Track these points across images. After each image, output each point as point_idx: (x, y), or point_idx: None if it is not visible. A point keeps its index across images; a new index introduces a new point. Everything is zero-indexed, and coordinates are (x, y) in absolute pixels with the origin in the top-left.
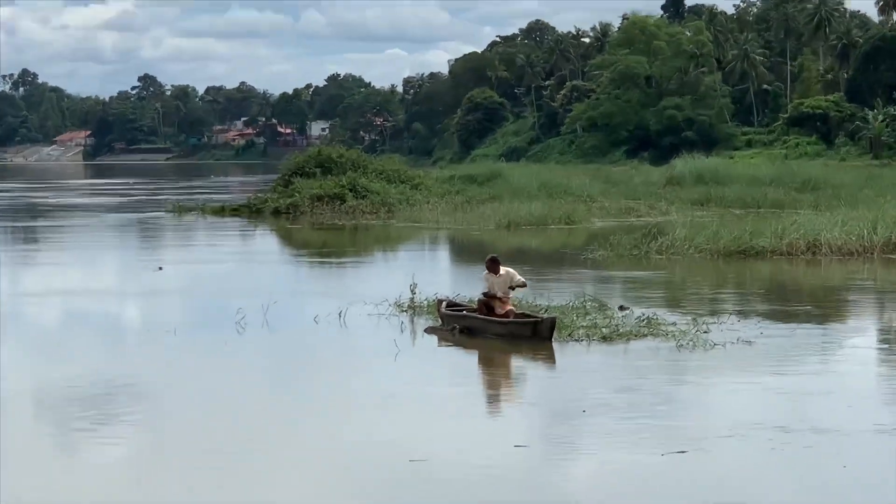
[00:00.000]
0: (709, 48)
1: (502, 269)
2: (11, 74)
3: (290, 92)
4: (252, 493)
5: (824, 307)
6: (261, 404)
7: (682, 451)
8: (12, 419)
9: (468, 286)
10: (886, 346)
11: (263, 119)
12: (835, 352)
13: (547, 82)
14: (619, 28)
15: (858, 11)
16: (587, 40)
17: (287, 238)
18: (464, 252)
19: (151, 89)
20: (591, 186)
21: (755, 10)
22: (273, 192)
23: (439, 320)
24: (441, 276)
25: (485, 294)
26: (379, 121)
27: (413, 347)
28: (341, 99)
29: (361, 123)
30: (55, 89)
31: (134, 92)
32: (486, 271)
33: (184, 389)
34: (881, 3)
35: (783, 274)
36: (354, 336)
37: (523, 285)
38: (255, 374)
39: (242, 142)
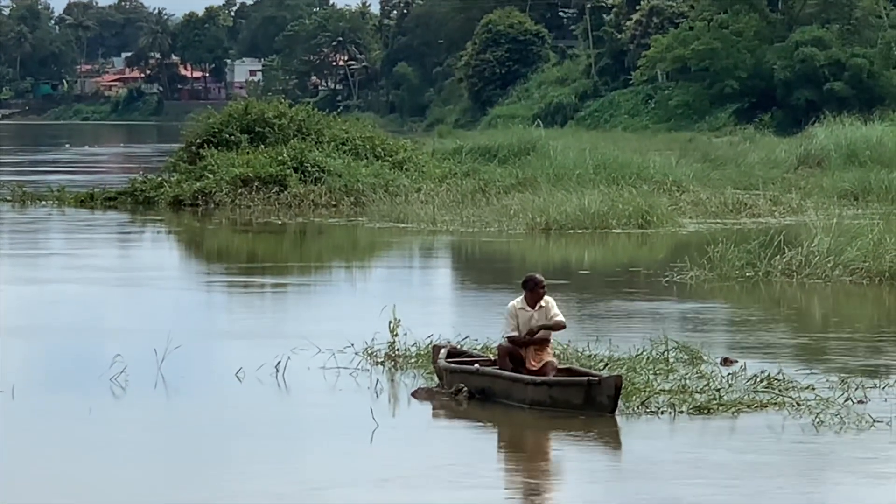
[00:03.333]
0: None
1: (543, 300)
2: None
3: (201, 13)
4: None
5: None
6: None
7: None
8: None
9: (482, 325)
10: None
11: (158, 56)
12: None
13: (611, 1)
14: None
15: None
16: None
17: (194, 244)
18: (475, 270)
19: None
20: (680, 167)
21: None
22: (172, 170)
23: (436, 378)
24: (438, 309)
25: (509, 338)
26: (342, 60)
27: (393, 421)
28: (282, 25)
29: (314, 64)
30: None
31: None
32: (519, 302)
33: (18, 488)
34: None
35: None
36: (301, 402)
37: (558, 327)
38: (138, 463)
39: (124, 90)
